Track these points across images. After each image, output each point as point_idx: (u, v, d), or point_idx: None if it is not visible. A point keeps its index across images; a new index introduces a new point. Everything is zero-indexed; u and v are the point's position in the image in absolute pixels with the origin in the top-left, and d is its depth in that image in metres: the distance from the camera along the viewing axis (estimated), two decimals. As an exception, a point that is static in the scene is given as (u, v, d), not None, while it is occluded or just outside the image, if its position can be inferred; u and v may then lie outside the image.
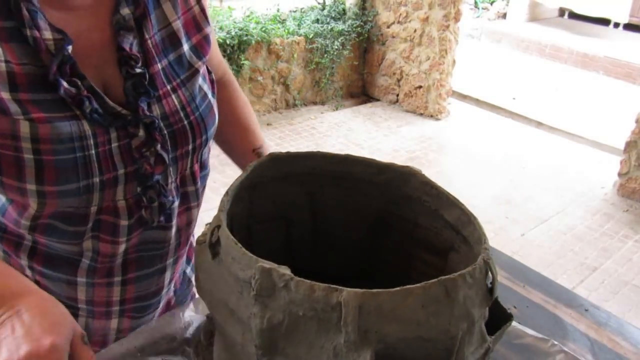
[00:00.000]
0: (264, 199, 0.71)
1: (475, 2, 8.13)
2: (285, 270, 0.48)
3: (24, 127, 0.66)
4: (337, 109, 4.78)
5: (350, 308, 0.45)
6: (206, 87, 0.84)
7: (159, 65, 0.77)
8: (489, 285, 0.53)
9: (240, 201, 0.66)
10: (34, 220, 0.74)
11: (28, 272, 0.81)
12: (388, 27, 4.76)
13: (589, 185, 3.80)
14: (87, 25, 0.72)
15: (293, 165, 0.71)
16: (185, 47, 0.81)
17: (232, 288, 0.52)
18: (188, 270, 1.01)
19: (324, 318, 0.47)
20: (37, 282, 0.82)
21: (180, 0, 0.80)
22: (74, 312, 0.84)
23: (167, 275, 0.89)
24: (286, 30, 4.43)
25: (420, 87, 4.72)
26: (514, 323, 0.74)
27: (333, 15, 4.74)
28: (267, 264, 0.49)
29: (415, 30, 4.59)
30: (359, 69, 5.04)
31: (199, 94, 0.82)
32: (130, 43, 0.74)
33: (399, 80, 4.87)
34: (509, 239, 3.13)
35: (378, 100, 5.04)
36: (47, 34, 0.67)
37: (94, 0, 0.72)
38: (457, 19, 4.43)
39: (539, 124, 4.74)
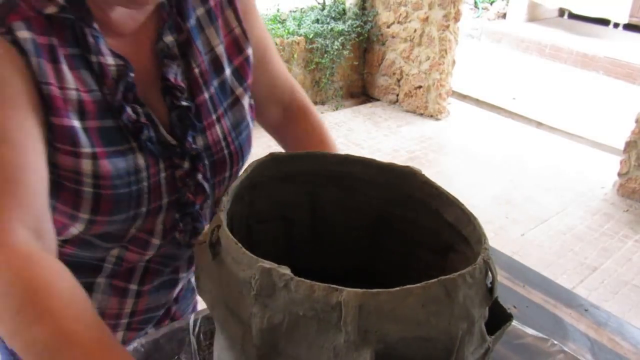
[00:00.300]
0: (264, 198, 0.71)
1: (475, 2, 8.13)
2: (285, 270, 0.48)
3: (86, 165, 0.66)
4: (337, 109, 4.78)
5: (350, 308, 0.45)
6: (248, 117, 0.82)
7: (206, 95, 0.76)
8: (489, 285, 0.53)
9: (240, 201, 0.66)
10: (71, 236, 0.73)
11: None
12: (388, 27, 4.76)
13: (589, 185, 3.80)
14: (133, 52, 0.71)
15: (293, 165, 0.71)
16: (227, 71, 0.79)
17: (232, 288, 0.52)
18: (193, 279, 1.01)
19: (324, 318, 0.47)
20: None
21: (222, 24, 0.78)
22: None
23: (177, 289, 0.89)
24: (286, 30, 4.43)
25: (420, 87, 4.72)
26: (514, 323, 0.74)
27: (333, 15, 4.74)
28: (267, 264, 0.49)
29: (415, 30, 4.59)
30: (359, 69, 5.04)
31: (242, 122, 0.80)
32: (174, 73, 0.72)
33: (399, 80, 4.87)
34: (509, 239, 3.13)
35: (378, 100, 5.04)
36: (110, 60, 0.67)
37: (137, 27, 0.71)
38: (457, 19, 4.43)
39: (539, 124, 4.74)
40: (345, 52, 4.67)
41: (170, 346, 0.77)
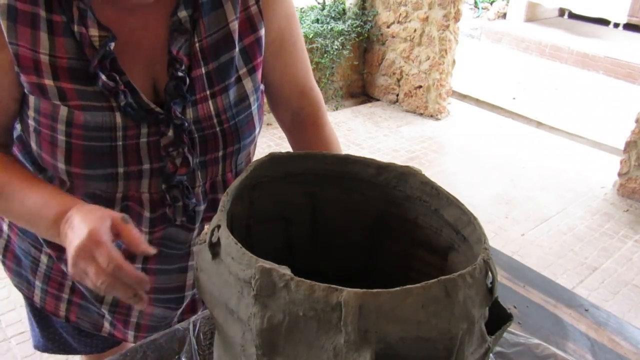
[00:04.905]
0: (264, 199, 0.71)
1: (475, 2, 8.13)
2: (285, 270, 0.48)
3: (63, 111, 0.72)
4: (337, 109, 4.78)
5: (350, 308, 0.45)
6: (253, 99, 0.83)
7: (203, 70, 0.78)
8: (489, 285, 0.53)
9: (240, 201, 0.66)
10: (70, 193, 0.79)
11: None
12: (388, 27, 4.76)
13: (589, 185, 3.80)
14: (143, 24, 0.75)
15: (293, 165, 0.71)
16: (237, 49, 0.80)
17: (232, 288, 0.52)
18: None
19: (324, 318, 0.47)
20: None
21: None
22: None
23: (189, 275, 0.90)
24: (286, 30, 4.42)
25: (420, 87, 4.72)
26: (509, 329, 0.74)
27: (333, 15, 4.74)
28: (267, 264, 0.49)
29: (415, 30, 4.59)
30: (359, 69, 5.04)
31: (241, 103, 0.82)
32: (179, 46, 0.76)
33: (399, 80, 4.86)
34: (509, 239, 3.13)
35: (378, 100, 5.04)
36: (93, 31, 0.71)
37: (154, 1, 0.74)
38: (457, 19, 4.43)
39: (539, 124, 4.74)
40: (345, 52, 4.67)
41: (170, 346, 0.77)
